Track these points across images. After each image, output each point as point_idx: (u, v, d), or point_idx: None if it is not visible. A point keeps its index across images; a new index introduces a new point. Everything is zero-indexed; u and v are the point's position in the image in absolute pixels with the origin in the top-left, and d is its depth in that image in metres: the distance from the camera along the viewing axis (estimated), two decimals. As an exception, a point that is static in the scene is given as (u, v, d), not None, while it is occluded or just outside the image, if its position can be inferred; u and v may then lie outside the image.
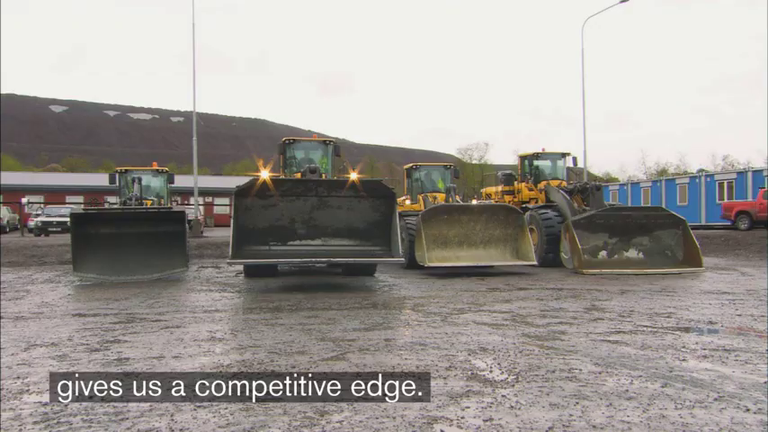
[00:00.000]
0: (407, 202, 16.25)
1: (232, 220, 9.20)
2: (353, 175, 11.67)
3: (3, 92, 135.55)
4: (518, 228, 12.37)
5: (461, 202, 14.29)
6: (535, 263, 12.06)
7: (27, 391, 3.62)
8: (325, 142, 13.33)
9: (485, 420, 2.98)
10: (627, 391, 3.48)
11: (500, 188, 17.50)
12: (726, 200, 25.20)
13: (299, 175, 12.05)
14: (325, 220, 9.61)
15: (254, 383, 3.70)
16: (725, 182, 26.49)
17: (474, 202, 15.83)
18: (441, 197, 15.06)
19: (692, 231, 12.22)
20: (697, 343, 4.93)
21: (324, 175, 11.71)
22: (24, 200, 33.75)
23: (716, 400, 3.31)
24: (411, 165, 17.14)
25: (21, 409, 3.24)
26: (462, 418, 3.02)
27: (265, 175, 9.31)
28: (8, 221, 31.77)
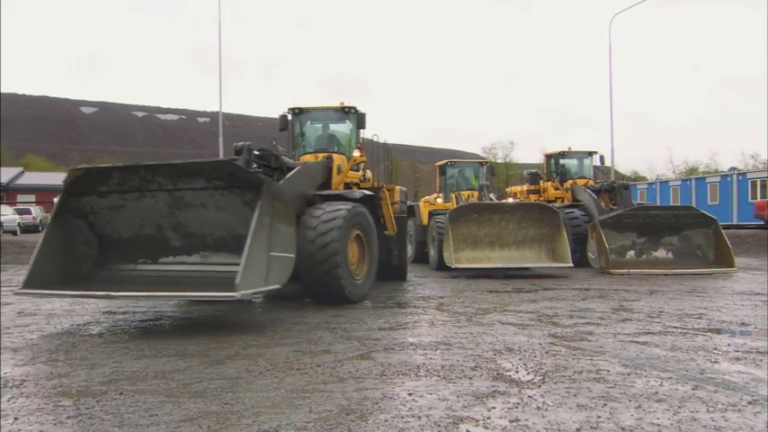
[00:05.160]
0: (439, 200, 15.76)
1: (46, 230, 6.40)
2: (357, 153, 9.41)
3: (35, 94, 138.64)
4: (554, 227, 11.66)
5: (495, 201, 13.96)
6: (571, 264, 11.21)
7: (61, 391, 3.70)
8: (344, 110, 9.82)
9: (511, 421, 2.95)
10: (656, 392, 3.42)
11: (525, 187, 17.35)
12: (759, 199, 24.61)
13: (309, 158, 9.18)
14: (199, 226, 6.43)
15: (282, 381, 3.74)
16: (758, 180, 25.87)
17: (510, 200, 15.04)
18: (475, 195, 14.51)
19: (723, 231, 11.97)
20: (729, 345, 4.82)
21: (331, 156, 9.04)
22: (56, 200, 34.55)
23: (749, 403, 3.23)
24: (446, 161, 16.66)
25: (60, 405, 3.31)
26: (488, 418, 3.00)
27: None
28: (41, 221, 32.65)
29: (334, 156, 9.04)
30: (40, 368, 4.18)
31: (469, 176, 16.16)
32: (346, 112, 9.86)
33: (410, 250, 15.28)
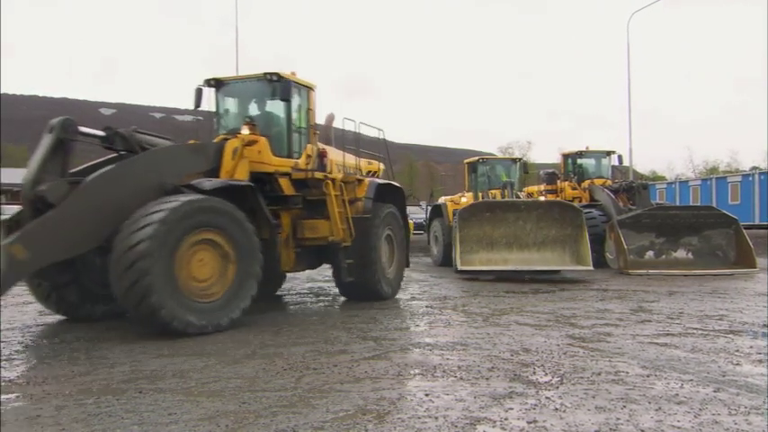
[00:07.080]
0: (463, 199, 15.01)
1: None
2: (245, 131, 7.28)
3: (55, 96, 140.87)
4: (577, 227, 10.96)
5: (524, 199, 13.23)
6: (591, 268, 10.56)
7: (82, 389, 3.74)
8: (267, 78, 7.66)
9: (528, 422, 2.93)
10: (677, 395, 3.38)
11: (542, 187, 17.16)
12: (781, 198, 24.17)
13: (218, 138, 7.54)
14: None
15: (299, 380, 3.75)
16: (780, 179, 25.39)
17: (541, 198, 13.93)
18: (506, 193, 13.56)
19: (744, 231, 11.80)
20: (751, 347, 4.75)
21: (233, 136, 7.27)
22: None
23: (772, 406, 3.18)
24: (477, 158, 15.97)
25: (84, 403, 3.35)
26: (506, 419, 2.98)
27: None
28: None
29: (239, 136, 7.24)
30: (62, 366, 4.23)
31: (501, 174, 15.27)
32: (270, 81, 7.69)
33: (437, 252, 15.08)
